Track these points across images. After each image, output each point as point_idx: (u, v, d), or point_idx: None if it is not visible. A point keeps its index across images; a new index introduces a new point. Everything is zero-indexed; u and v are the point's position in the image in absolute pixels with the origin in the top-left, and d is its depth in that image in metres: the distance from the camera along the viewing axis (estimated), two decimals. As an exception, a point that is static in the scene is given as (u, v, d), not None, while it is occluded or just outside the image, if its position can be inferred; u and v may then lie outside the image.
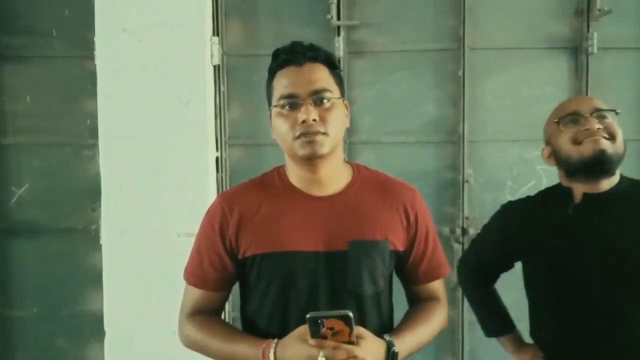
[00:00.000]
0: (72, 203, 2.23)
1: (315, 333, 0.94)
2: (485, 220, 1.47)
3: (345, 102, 1.14)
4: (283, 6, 2.20)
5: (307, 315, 0.94)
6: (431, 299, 1.20)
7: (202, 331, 1.10)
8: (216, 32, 2.16)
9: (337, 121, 1.06)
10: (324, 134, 1.04)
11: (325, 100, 1.05)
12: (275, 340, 1.01)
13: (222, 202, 1.13)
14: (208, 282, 1.13)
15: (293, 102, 1.05)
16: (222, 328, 1.11)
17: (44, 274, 2.26)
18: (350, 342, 0.95)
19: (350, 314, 0.93)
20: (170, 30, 2.01)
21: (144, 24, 2.00)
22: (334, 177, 1.12)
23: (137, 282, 2.05)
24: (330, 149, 1.05)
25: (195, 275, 1.14)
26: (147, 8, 2.00)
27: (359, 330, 0.98)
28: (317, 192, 1.11)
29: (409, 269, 1.19)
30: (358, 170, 1.17)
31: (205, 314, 1.14)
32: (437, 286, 1.22)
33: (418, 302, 1.21)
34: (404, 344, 1.05)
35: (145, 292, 2.04)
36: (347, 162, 1.20)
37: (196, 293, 1.14)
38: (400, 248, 1.14)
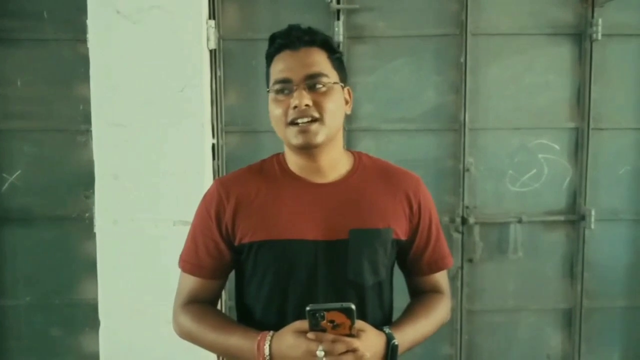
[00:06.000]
0: (65, 190, 2.19)
1: (315, 326, 0.92)
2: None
3: (348, 87, 1.11)
4: (281, -11, 2.15)
5: (307, 308, 0.91)
6: (434, 291, 1.18)
7: (196, 321, 1.08)
8: (212, 15, 2.11)
9: (334, 107, 1.03)
10: (317, 120, 1.01)
11: (320, 85, 1.02)
12: (271, 333, 0.98)
13: (218, 188, 1.10)
14: (203, 269, 1.11)
15: (287, 87, 1.02)
16: (216, 318, 1.08)
17: (37, 262, 2.22)
18: (351, 335, 0.93)
19: (353, 307, 0.90)
20: (166, 13, 1.96)
21: (138, 7, 1.95)
22: (335, 164, 1.09)
23: (132, 271, 2.02)
24: (325, 137, 1.02)
25: (190, 263, 1.12)
26: (142, -11, 1.95)
27: (359, 323, 0.95)
28: (317, 180, 1.08)
29: (411, 260, 1.17)
30: (360, 158, 1.15)
31: (200, 303, 1.11)
32: (440, 278, 1.19)
33: (421, 294, 1.18)
34: (405, 336, 1.03)
35: (141, 281, 2.02)
36: (348, 150, 1.17)
37: (191, 281, 1.12)
38: (403, 237, 1.11)
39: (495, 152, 2.22)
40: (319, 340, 0.91)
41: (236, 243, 1.08)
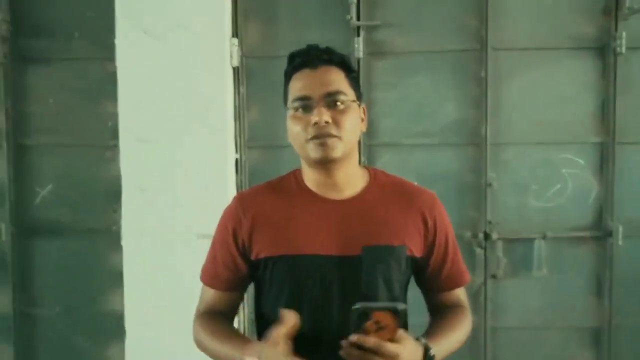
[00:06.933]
0: (93, 204, 2.25)
1: (357, 327, 0.88)
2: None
3: (363, 106, 1.12)
4: (302, 7, 2.19)
5: (355, 306, 0.88)
6: (455, 305, 1.17)
7: (203, 330, 1.10)
8: (235, 33, 2.16)
9: (351, 124, 1.05)
10: (337, 137, 1.02)
11: (338, 103, 1.04)
12: (255, 344, 0.97)
13: (237, 203, 1.13)
14: (220, 281, 1.13)
15: (306, 104, 1.04)
16: (217, 327, 1.09)
17: (66, 273, 2.28)
18: (393, 340, 0.88)
19: (405, 307, 0.87)
20: (190, 32, 2.02)
21: (164, 26, 2.01)
22: (350, 180, 1.11)
23: (158, 283, 2.06)
24: (343, 152, 1.04)
25: (208, 275, 1.15)
26: (168, 10, 2.01)
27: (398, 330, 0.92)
28: (333, 196, 1.10)
29: (429, 277, 1.16)
30: (375, 175, 1.16)
31: (212, 313, 1.13)
32: (460, 293, 1.19)
33: (444, 309, 1.17)
34: (439, 348, 1.00)
35: (166, 293, 2.05)
36: (364, 166, 1.18)
37: (209, 292, 1.15)
38: (418, 254, 1.11)
39: (518, 166, 2.19)
40: (362, 344, 0.87)
41: (253, 258, 1.10)
